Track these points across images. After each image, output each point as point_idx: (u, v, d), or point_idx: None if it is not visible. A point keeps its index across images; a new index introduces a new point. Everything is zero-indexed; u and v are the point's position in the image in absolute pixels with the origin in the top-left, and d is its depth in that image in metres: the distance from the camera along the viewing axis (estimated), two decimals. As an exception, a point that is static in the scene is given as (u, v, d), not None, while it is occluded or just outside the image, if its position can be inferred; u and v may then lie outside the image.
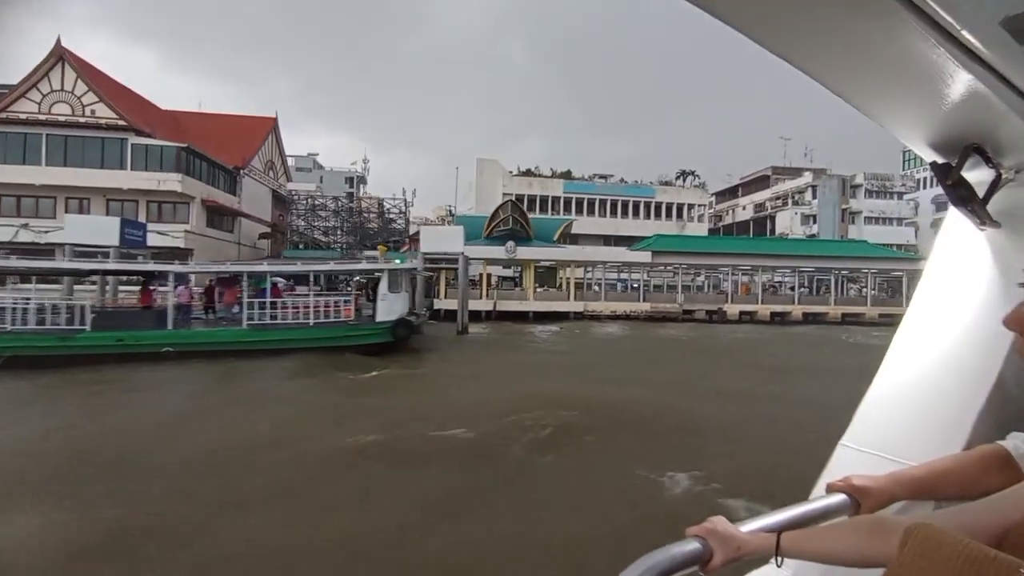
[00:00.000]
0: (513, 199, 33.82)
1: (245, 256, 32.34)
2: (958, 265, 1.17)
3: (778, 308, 32.61)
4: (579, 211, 50.17)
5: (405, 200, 65.95)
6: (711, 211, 63.70)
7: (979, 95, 0.77)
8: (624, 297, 32.48)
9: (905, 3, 0.62)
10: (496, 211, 31.24)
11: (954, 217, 1.15)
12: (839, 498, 0.85)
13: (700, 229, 50.49)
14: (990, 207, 0.99)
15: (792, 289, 35.13)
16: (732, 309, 31.87)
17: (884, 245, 41.71)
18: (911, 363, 1.16)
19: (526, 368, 13.70)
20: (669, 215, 51.38)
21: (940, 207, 51.37)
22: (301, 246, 39.08)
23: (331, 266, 20.41)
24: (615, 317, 30.27)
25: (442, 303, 29.51)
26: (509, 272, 37.61)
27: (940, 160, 0.97)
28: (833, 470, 1.09)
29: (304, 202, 42.12)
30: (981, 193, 0.98)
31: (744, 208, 56.13)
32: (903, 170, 53.46)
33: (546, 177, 50.62)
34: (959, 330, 1.10)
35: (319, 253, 35.81)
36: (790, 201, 48.21)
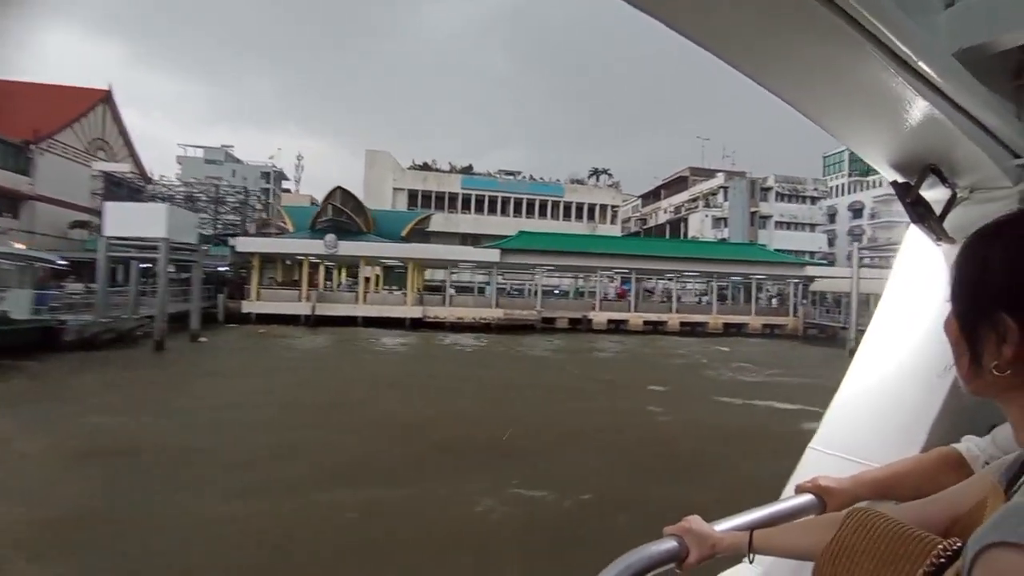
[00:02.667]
0: (337, 194, 29.14)
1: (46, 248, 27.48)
2: (917, 278, 1.23)
3: (652, 317, 29.25)
4: (479, 209, 46.47)
5: (277, 174, 61.22)
6: (637, 214, 60.93)
7: (935, 120, 0.82)
8: (477, 302, 28.63)
9: (867, 35, 0.67)
10: (324, 201, 27.08)
11: (914, 233, 1.20)
12: (807, 498, 0.89)
13: (612, 231, 47.38)
14: (946, 224, 1.03)
15: (668, 298, 31.85)
16: (599, 317, 28.36)
17: (795, 252, 39.24)
18: (874, 370, 1.23)
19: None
20: (580, 216, 48.08)
21: (856, 214, 49.59)
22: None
23: None
24: (461, 326, 26.41)
25: (253, 305, 25.27)
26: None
27: (901, 179, 1.01)
28: (802, 471, 1.15)
29: (167, 190, 37.39)
30: (938, 211, 1.01)
31: (665, 211, 53.28)
32: (824, 175, 51.51)
33: (443, 172, 46.68)
34: (917, 339, 1.16)
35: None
36: (701, 203, 45.37)
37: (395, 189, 44.65)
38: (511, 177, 49.14)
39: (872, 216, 45.95)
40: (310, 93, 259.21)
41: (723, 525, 0.77)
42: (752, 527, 0.76)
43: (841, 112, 0.91)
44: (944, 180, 0.97)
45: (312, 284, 26.69)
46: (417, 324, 26.06)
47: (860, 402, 1.21)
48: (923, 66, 0.73)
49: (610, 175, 49.95)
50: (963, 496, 0.62)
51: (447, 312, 27.04)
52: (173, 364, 14.39)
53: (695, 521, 0.76)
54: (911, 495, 0.77)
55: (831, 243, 48.35)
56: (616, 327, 28.37)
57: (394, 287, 30.31)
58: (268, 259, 27.65)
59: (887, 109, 0.83)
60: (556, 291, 37.17)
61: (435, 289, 34.83)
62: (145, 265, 23.85)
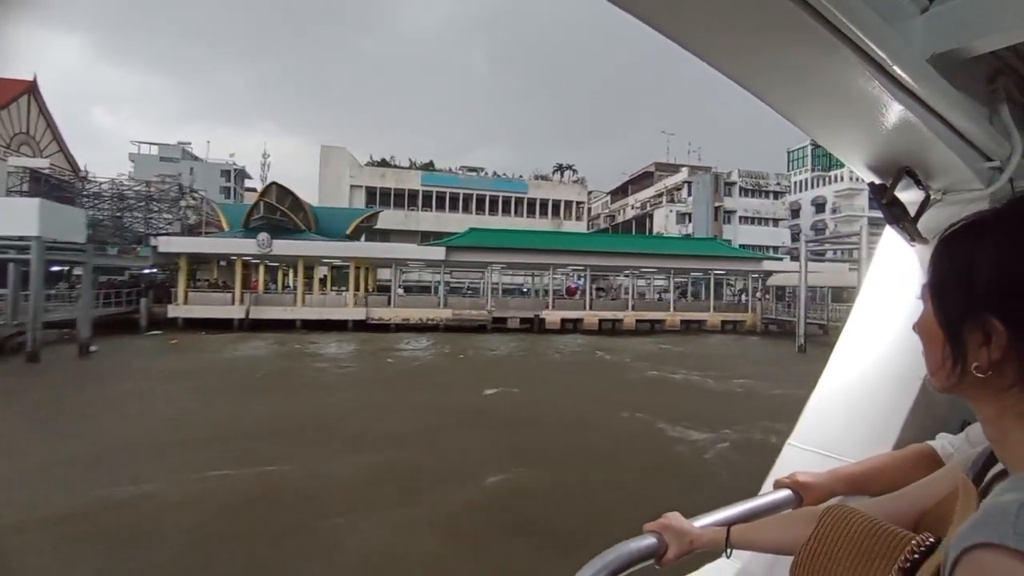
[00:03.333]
0: (272, 190, 27.56)
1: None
2: (892, 278, 1.26)
3: (608, 315, 28.45)
4: (440, 207, 45.24)
5: (239, 172, 58.65)
6: (606, 211, 60.35)
7: (910, 124, 0.84)
8: (425, 303, 27.45)
9: (844, 40, 0.69)
10: (257, 198, 25.59)
11: (889, 234, 1.22)
12: (784, 493, 0.91)
13: (579, 228, 46.58)
14: (920, 225, 1.04)
15: (627, 293, 31.13)
16: (552, 317, 27.44)
17: (759, 247, 38.96)
18: (850, 368, 1.24)
19: None
20: (544, 212, 47.22)
21: (819, 209, 49.73)
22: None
23: None
24: (407, 327, 25.24)
25: (180, 309, 23.71)
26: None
27: (877, 181, 1.02)
28: (780, 467, 1.16)
29: (110, 189, 35.21)
30: (913, 212, 1.03)
31: (632, 207, 52.74)
32: (788, 170, 51.54)
33: (402, 168, 45.32)
34: (891, 338, 1.18)
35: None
36: (665, 199, 44.87)
37: (352, 186, 43.17)
38: (474, 174, 47.99)
39: (834, 211, 46.03)
40: (287, 91, 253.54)
41: (702, 521, 0.79)
42: (731, 522, 0.78)
43: (819, 114, 0.92)
44: (918, 182, 0.98)
45: (250, 286, 25.18)
46: (360, 326, 24.79)
47: (836, 399, 1.23)
48: (898, 70, 0.75)
49: (575, 171, 49.15)
50: (931, 490, 0.63)
51: (392, 313, 25.81)
52: (25, 386, 12.16)
53: (674, 517, 0.77)
54: (886, 490, 0.78)
55: (795, 238, 48.38)
56: (574, 326, 27.52)
57: (342, 288, 28.98)
58: (201, 260, 26.07)
59: (864, 112, 0.84)
60: (524, 289, 36.23)
61: (418, 290, 33.64)
62: (57, 268, 22.11)
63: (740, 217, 43.48)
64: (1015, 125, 0.92)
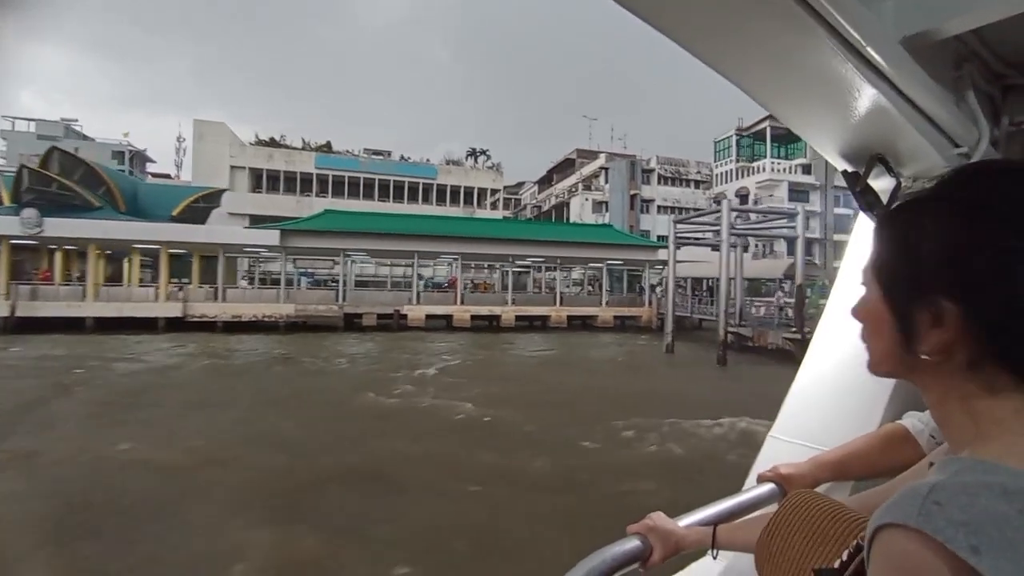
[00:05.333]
0: (54, 158, 22.70)
1: None
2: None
3: (483, 311, 25.30)
4: (337, 193, 41.13)
5: (136, 154, 52.69)
6: (533, 201, 57.39)
7: (882, 109, 0.84)
8: (263, 296, 23.60)
9: (818, 18, 0.68)
10: (21, 168, 20.98)
11: (864, 222, 1.23)
12: (768, 487, 0.92)
13: (493, 217, 43.36)
14: None
15: (538, 288, 28.13)
16: (416, 312, 24.07)
17: (679, 237, 36.58)
18: (828, 356, 1.24)
19: None
20: (456, 200, 43.78)
21: (743, 200, 48.16)
22: None
23: None
24: (239, 326, 21.40)
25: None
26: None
27: (850, 169, 1.02)
28: (763, 460, 1.15)
29: None
30: (885, 200, 1.03)
31: (557, 196, 49.88)
32: (715, 160, 49.81)
33: (294, 148, 40.93)
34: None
35: None
36: (580, 187, 42.13)
37: (234, 168, 38.56)
38: (380, 157, 44.05)
39: (756, 202, 44.41)
40: (235, 80, 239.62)
41: (687, 520, 0.78)
42: (716, 520, 0.78)
43: (793, 98, 0.91)
44: (890, 170, 0.98)
45: (22, 274, 20.69)
46: (177, 325, 20.80)
47: (816, 388, 1.23)
48: (871, 52, 0.74)
49: (489, 156, 45.82)
50: (916, 479, 0.64)
51: (218, 309, 21.89)
52: None
53: (659, 518, 0.75)
54: (866, 473, 0.81)
55: (717, 232, 46.57)
56: (447, 323, 24.27)
57: (184, 279, 24.80)
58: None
59: (837, 96, 0.83)
60: (430, 281, 32.64)
61: (272, 282, 29.60)
62: None
63: (659, 207, 41.17)
64: (981, 112, 0.93)
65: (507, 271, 29.87)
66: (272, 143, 41.35)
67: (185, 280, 24.40)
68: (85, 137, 55.13)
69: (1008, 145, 1.00)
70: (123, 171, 54.44)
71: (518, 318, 25.53)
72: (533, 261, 28.43)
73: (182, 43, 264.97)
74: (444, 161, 44.62)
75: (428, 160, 43.35)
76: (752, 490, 0.91)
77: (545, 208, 52.34)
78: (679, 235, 23.02)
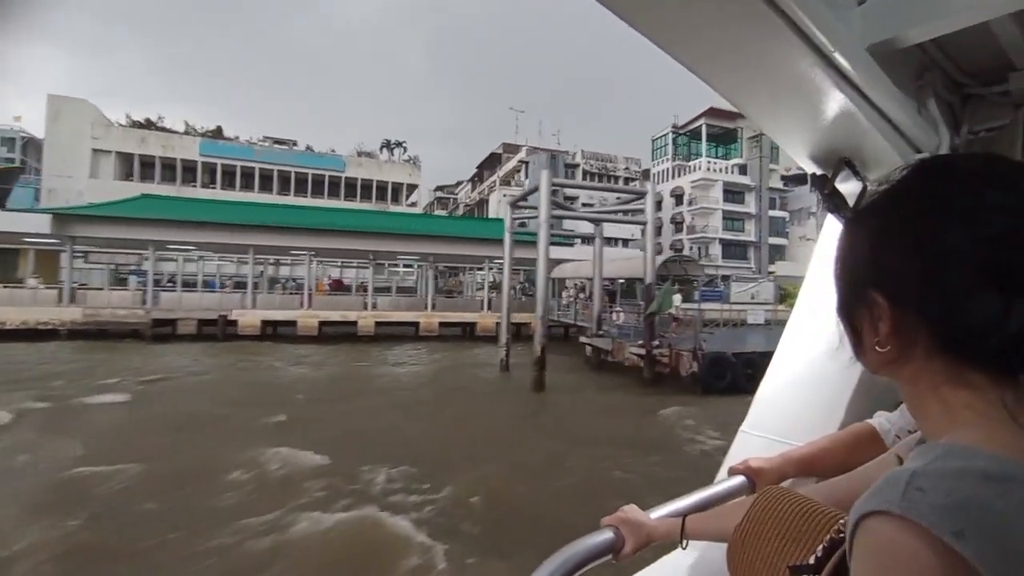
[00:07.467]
0: None
1: None
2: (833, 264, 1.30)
3: (335, 317, 21.36)
4: (228, 184, 36.68)
5: (28, 141, 46.79)
6: (467, 199, 53.76)
7: (849, 113, 0.87)
8: (41, 299, 19.11)
9: (788, 22, 0.71)
10: None
11: (831, 223, 1.27)
12: (739, 479, 0.93)
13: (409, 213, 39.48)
14: None
15: (389, 290, 24.22)
16: (249, 319, 19.97)
17: (608, 239, 33.44)
18: (797, 353, 1.26)
19: None
20: (368, 196, 39.81)
21: (678, 200, 45.61)
22: None
23: None
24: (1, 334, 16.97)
25: None
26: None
27: (819, 171, 1.04)
28: (734, 454, 1.18)
29: None
30: (851, 202, 1.08)
31: (480, 193, 46.36)
32: (652, 159, 47.17)
33: (173, 132, 36.30)
34: (835, 321, 1.30)
35: None
36: (498, 182, 38.73)
37: (97, 151, 33.78)
38: (284, 147, 39.79)
39: (690, 202, 41.75)
40: (197, 74, 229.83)
41: (659, 512, 0.79)
42: (688, 512, 0.78)
43: (764, 100, 0.93)
44: (856, 173, 1.00)
45: None
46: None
47: (785, 384, 1.24)
48: (838, 57, 0.77)
49: (405, 148, 42.00)
50: (876, 473, 0.62)
51: (-29, 314, 17.41)
52: None
53: (631, 510, 0.76)
54: (833, 470, 0.81)
55: (659, 231, 43.75)
56: (293, 331, 20.22)
57: (37, 276, 20.25)
58: None
59: (807, 100, 0.86)
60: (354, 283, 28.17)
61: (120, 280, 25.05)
62: None
63: (583, 204, 37.99)
64: (942, 119, 0.97)
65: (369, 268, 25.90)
66: (148, 124, 36.62)
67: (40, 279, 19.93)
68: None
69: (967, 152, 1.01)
70: (11, 159, 48.53)
71: (377, 324, 21.60)
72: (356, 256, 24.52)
73: (140, 38, 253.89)
74: (355, 152, 40.53)
75: (334, 151, 39.17)
76: (723, 483, 0.91)
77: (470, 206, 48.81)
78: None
